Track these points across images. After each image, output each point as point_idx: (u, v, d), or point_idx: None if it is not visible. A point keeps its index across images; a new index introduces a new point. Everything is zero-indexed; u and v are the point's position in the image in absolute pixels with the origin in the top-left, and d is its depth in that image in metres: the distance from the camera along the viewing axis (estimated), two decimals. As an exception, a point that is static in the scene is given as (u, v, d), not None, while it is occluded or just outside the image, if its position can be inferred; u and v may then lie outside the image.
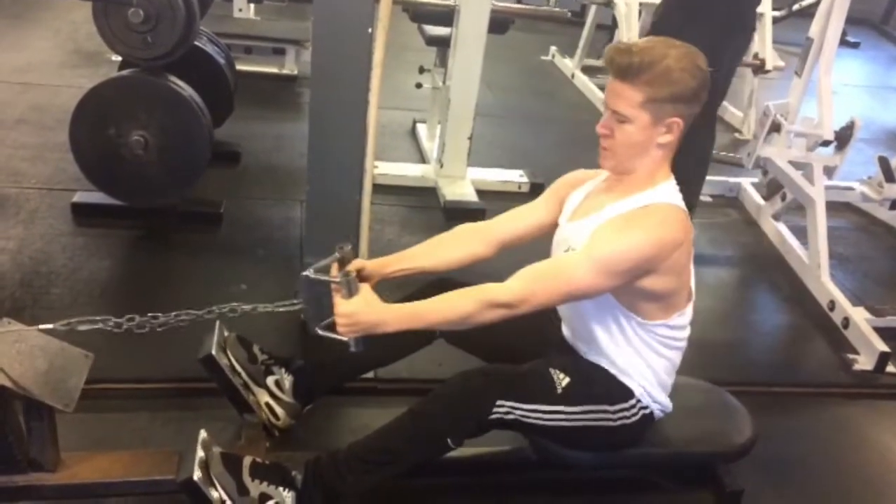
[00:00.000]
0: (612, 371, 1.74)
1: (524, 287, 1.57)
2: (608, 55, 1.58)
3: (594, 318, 1.72)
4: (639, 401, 1.74)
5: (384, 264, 1.79)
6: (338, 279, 1.61)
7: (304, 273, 1.69)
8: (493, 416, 1.64)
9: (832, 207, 3.24)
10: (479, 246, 1.83)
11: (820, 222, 3.08)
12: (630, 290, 1.62)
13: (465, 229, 1.87)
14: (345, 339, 1.62)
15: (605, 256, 1.56)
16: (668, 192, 1.65)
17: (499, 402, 1.63)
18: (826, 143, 3.17)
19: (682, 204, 1.66)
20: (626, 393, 1.73)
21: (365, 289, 1.61)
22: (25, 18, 5.09)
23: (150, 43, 2.61)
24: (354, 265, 1.67)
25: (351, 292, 1.59)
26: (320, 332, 1.67)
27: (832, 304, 2.97)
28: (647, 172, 1.64)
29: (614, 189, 1.69)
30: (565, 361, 1.76)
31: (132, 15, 2.54)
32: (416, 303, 1.64)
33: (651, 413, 1.77)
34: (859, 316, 2.83)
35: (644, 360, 1.72)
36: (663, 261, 1.57)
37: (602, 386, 1.73)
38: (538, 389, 1.68)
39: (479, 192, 3.49)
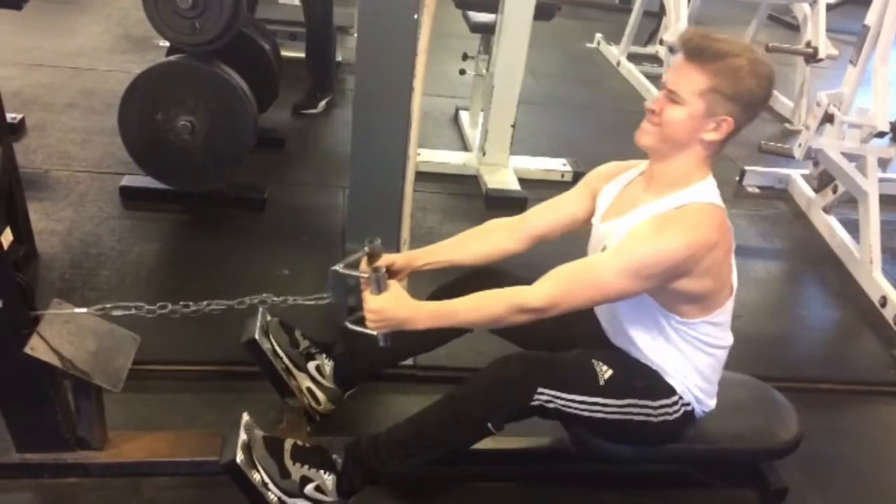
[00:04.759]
0: (655, 368, 1.72)
1: (554, 292, 1.56)
2: (687, 34, 1.54)
3: (632, 319, 1.70)
4: (681, 398, 1.72)
5: (414, 258, 1.79)
6: (367, 274, 1.61)
7: (333, 268, 1.70)
8: (535, 403, 1.63)
9: (886, 201, 3.16)
10: (509, 241, 1.83)
11: (873, 216, 3.01)
12: (665, 292, 1.60)
13: (495, 224, 1.86)
14: (373, 333, 1.62)
15: (635, 260, 1.53)
16: (705, 190, 1.61)
17: (540, 390, 1.62)
18: (881, 135, 3.08)
19: (720, 202, 1.62)
20: (669, 390, 1.71)
21: (394, 285, 1.62)
22: (76, 4, 5.18)
23: (198, 28, 2.64)
24: (384, 260, 1.67)
25: (380, 288, 1.59)
26: (349, 326, 1.68)
27: (884, 300, 2.89)
28: (684, 171, 1.60)
29: (650, 187, 1.65)
30: (608, 354, 1.74)
31: (180, 1, 2.57)
32: (446, 301, 1.63)
33: (693, 411, 1.75)
34: (912, 313, 2.77)
35: (688, 359, 1.70)
36: (696, 263, 1.54)
37: (645, 380, 1.71)
38: (580, 380, 1.67)
39: (522, 181, 3.47)
